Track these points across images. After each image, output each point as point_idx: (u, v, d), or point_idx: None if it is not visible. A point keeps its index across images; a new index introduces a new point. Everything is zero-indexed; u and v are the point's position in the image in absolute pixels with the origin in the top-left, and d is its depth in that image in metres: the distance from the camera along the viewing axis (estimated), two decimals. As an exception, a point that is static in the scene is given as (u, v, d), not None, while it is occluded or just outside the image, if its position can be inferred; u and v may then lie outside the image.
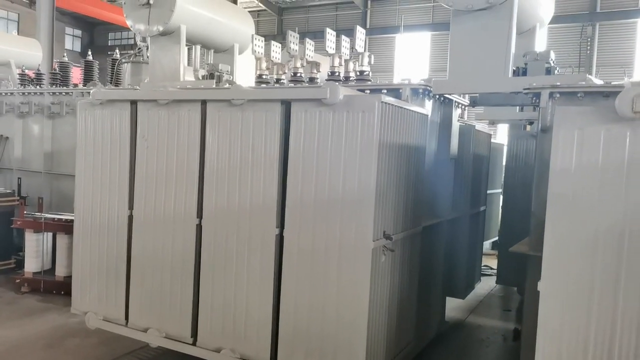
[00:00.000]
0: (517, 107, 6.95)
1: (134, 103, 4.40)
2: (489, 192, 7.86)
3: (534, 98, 3.84)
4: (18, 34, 25.28)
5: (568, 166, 2.65)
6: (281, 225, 3.83)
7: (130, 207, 4.44)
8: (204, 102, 4.07)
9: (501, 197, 9.61)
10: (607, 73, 20.44)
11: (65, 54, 9.09)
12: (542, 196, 3.66)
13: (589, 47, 21.77)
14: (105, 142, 4.54)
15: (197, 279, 4.16)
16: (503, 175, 9.49)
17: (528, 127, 8.78)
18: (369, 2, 25.32)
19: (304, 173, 3.69)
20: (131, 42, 30.99)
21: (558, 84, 3.55)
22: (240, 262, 3.96)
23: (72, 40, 31.65)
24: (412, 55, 24.16)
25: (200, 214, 4.13)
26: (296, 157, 3.71)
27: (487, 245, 9.53)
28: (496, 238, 9.60)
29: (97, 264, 4.64)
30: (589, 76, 3.79)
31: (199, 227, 4.14)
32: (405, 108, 3.89)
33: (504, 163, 9.31)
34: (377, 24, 25.23)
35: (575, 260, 2.67)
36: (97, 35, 32.72)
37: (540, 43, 5.78)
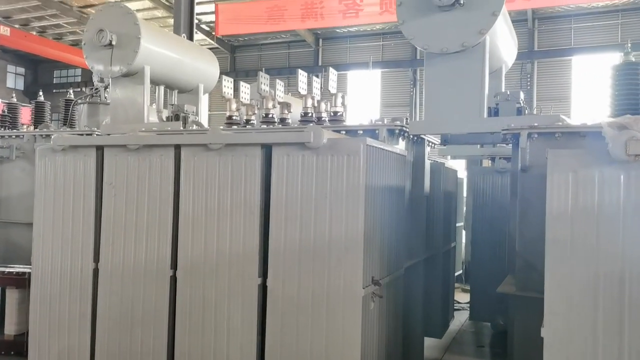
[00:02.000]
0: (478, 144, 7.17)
1: (99, 148, 4.16)
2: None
3: (512, 138, 3.90)
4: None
5: (564, 210, 2.66)
6: (263, 274, 3.65)
7: (96, 260, 4.14)
8: (177, 147, 3.90)
9: (463, 231, 9.79)
10: (546, 107, 21.57)
11: (14, 95, 8.64)
12: (527, 236, 3.69)
13: (529, 83, 22.98)
14: (67, 190, 4.25)
15: (172, 333, 3.88)
16: (464, 209, 9.70)
17: (488, 162, 9.03)
18: (321, 41, 25.84)
19: (287, 219, 3.55)
20: (78, 80, 30.13)
21: (536, 124, 3.62)
22: (220, 314, 3.73)
23: (14, 78, 30.39)
24: (363, 93, 24.73)
25: (174, 265, 3.89)
26: (279, 203, 3.58)
27: (451, 279, 9.58)
28: (460, 271, 9.71)
29: (58, 321, 4.26)
30: (562, 116, 3.90)
31: (173, 279, 3.89)
32: (387, 150, 3.86)
33: (464, 196, 9.53)
34: (329, 62, 25.72)
35: (577, 305, 2.65)
36: (41, 73, 31.59)
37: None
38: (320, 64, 25.48)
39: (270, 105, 5.10)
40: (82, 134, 5.62)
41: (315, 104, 5.01)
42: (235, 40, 26.48)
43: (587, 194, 2.63)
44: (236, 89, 5.69)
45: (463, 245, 9.69)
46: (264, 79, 5.21)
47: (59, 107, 9.46)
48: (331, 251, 3.44)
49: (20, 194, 6.87)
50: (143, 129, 5.13)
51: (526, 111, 4.37)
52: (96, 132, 6.12)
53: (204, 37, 24.60)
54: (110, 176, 4.10)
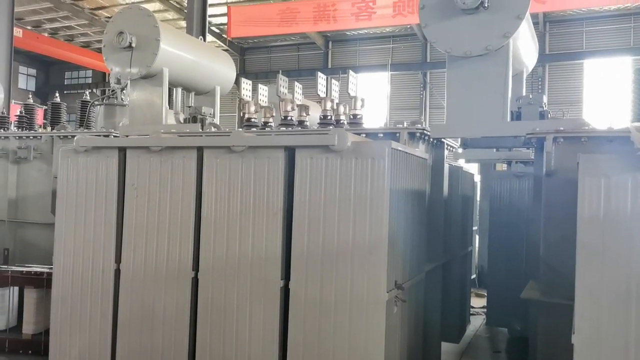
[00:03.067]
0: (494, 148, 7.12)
1: (122, 150, 4.17)
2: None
3: (534, 142, 3.87)
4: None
5: (596, 215, 2.63)
6: (286, 276, 3.65)
7: (117, 260, 4.15)
8: (199, 149, 3.91)
9: (477, 235, 9.75)
10: (558, 111, 21.44)
11: (30, 96, 8.71)
12: (551, 240, 3.66)
13: (540, 86, 22.87)
14: (89, 191, 4.26)
15: (193, 336, 3.88)
16: (477, 213, 9.65)
17: (502, 167, 8.98)
18: (330, 43, 25.86)
19: (310, 222, 3.55)
20: (89, 81, 30.34)
21: (561, 128, 3.60)
22: (242, 316, 3.73)
23: (26, 80, 30.65)
24: (372, 95, 24.75)
25: (196, 267, 3.90)
26: (302, 206, 3.58)
27: (464, 283, 9.54)
28: (474, 276, 9.66)
29: (79, 321, 4.27)
30: (586, 120, 3.87)
31: (195, 281, 3.90)
32: (410, 153, 3.85)
33: (477, 200, 9.49)
34: (338, 64, 25.74)
35: (608, 312, 2.62)
36: (53, 75, 31.85)
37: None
38: (329, 66, 25.51)
39: (289, 107, 5.10)
40: (100, 135, 5.64)
41: (334, 107, 5.00)
42: (245, 43, 26.56)
43: (620, 199, 2.60)
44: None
45: (477, 249, 9.66)
46: (282, 81, 5.22)
47: (72, 108, 9.53)
48: (354, 255, 3.43)
49: (37, 194, 6.93)
50: (162, 131, 5.16)
51: (549, 115, 4.33)
52: (114, 134, 6.16)
53: (214, 39, 24.70)
54: (132, 177, 4.11)
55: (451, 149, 5.63)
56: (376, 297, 3.37)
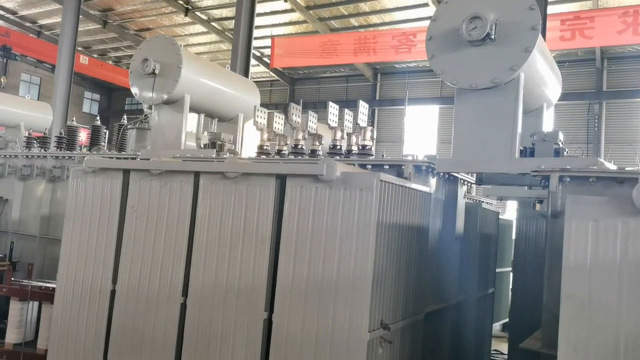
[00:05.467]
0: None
1: (127, 172, 4.26)
2: (498, 270, 7.51)
3: (543, 180, 3.63)
4: (38, 97, 26.12)
5: (582, 263, 2.40)
6: (270, 308, 3.55)
7: (114, 282, 4.19)
8: (197, 174, 3.92)
9: (511, 275, 9.25)
10: (616, 150, 20.36)
11: (74, 118, 9.16)
12: (554, 287, 3.38)
13: (596, 124, 21.87)
14: (94, 212, 4.36)
15: (178, 362, 3.83)
16: (513, 253, 9.18)
17: (538, 206, 8.54)
18: (379, 76, 25.96)
19: (297, 253, 3.45)
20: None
21: (568, 167, 3.36)
22: (225, 346, 3.64)
23: (90, 104, 32.54)
24: (420, 128, 24.49)
25: (185, 292, 3.86)
26: (289, 236, 3.49)
27: (497, 327, 9.03)
28: (507, 320, 9.12)
29: (75, 340, 4.32)
30: (601, 160, 3.60)
31: (183, 307, 3.86)
32: (405, 186, 3.70)
33: (512, 240, 9.03)
34: (387, 96, 25.74)
35: (594, 371, 2.35)
36: (114, 100, 33.66)
37: (548, 121, 5.67)
38: (377, 98, 25.55)
39: (300, 136, 5.08)
40: (113, 157, 5.80)
41: (345, 137, 4.93)
42: (295, 73, 27.12)
43: (609, 246, 2.36)
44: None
45: (510, 291, 9.14)
46: (295, 110, 5.21)
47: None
48: (338, 289, 3.29)
49: (67, 212, 7.18)
50: (178, 155, 5.25)
51: (565, 153, 4.07)
52: (139, 157, 6.33)
53: (265, 69, 25.37)
54: (133, 199, 4.17)
55: (469, 184, 5.41)
56: (357, 336, 3.20)
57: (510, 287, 9.14)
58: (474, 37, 3.80)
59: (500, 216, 7.28)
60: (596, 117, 21.94)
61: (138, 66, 5.75)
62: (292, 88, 27.84)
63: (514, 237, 9.06)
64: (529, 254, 6.14)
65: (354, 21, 20.77)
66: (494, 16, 3.81)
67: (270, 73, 25.78)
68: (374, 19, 20.44)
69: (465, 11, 3.89)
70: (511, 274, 9.01)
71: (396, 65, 24.38)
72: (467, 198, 5.75)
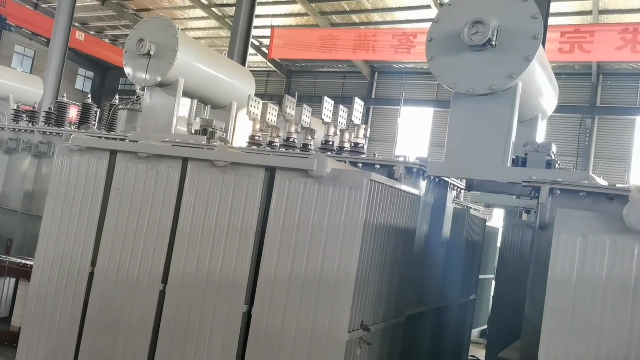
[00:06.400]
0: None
1: (114, 153, 4.17)
2: (480, 277, 7.52)
3: (533, 191, 3.61)
4: (31, 71, 25.73)
5: (568, 277, 2.37)
6: (251, 302, 3.50)
7: (93, 264, 4.11)
8: (185, 160, 3.85)
9: (493, 283, 9.28)
10: (605, 166, 20.53)
11: (65, 94, 9.00)
12: (537, 299, 3.37)
13: (587, 139, 22.02)
14: (78, 191, 4.27)
15: (154, 349, 3.76)
16: (496, 261, 9.21)
17: (525, 216, 8.56)
18: (376, 74, 25.91)
19: (281, 248, 3.40)
20: (140, 88, 31.48)
21: (560, 180, 3.34)
22: (202, 337, 3.58)
23: (83, 81, 32.12)
24: (414, 129, 24.51)
25: (165, 280, 3.80)
26: (275, 229, 3.44)
27: (475, 333, 9.06)
28: (485, 327, 9.16)
29: (50, 320, 4.24)
30: (592, 175, 3.59)
31: (163, 294, 3.80)
32: (396, 188, 3.66)
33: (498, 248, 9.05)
34: (382, 96, 25.71)
35: (572, 387, 2.33)
36: (109, 79, 33.24)
37: (541, 132, 5.67)
38: (373, 96, 25.51)
39: (292, 129, 5.02)
40: (101, 137, 5.71)
41: (338, 133, 4.88)
42: (293, 66, 26.99)
43: (596, 262, 2.34)
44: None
45: (491, 299, 9.18)
46: (289, 102, 5.15)
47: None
48: (321, 288, 3.24)
49: (50, 189, 7.06)
50: (167, 140, 5.16)
51: (557, 165, 4.06)
52: (128, 139, 6.23)
53: (262, 59, 25.20)
54: (118, 182, 4.09)
55: (458, 189, 5.39)
56: (337, 335, 3.16)
57: (492, 295, 9.20)
58: (475, 42, 3.76)
59: (488, 223, 7.29)
60: (588, 131, 22.07)
61: (133, 46, 5.65)
62: (289, 80, 27.70)
63: (499, 245, 9.11)
64: (513, 263, 6.17)
65: (355, 18, 20.68)
66: (496, 22, 3.77)
67: (268, 64, 25.61)
68: (376, 17, 20.37)
69: (468, 15, 3.85)
70: (494, 281, 9.06)
71: (394, 65, 24.33)
72: (456, 203, 5.73)
